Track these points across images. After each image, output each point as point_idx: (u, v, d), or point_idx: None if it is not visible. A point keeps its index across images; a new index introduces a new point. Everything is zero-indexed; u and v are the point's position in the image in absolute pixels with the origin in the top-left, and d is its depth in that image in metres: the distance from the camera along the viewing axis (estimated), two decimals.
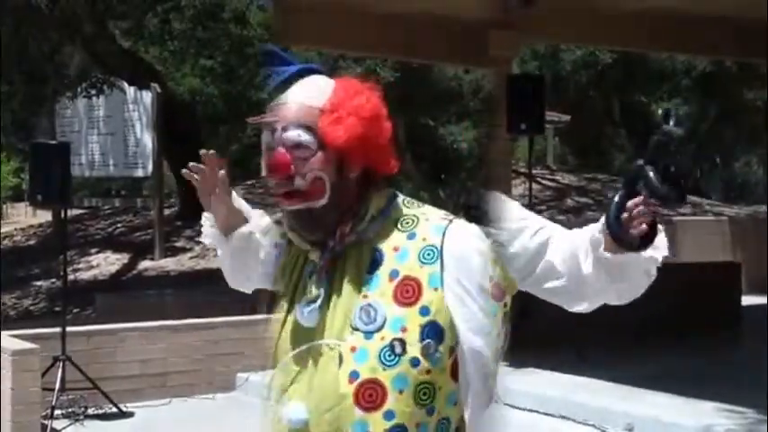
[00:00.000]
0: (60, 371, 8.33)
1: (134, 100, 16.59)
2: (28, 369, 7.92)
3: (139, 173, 16.87)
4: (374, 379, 2.03)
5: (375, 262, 2.10)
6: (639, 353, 9.20)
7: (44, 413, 8.03)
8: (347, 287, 2.10)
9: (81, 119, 17.34)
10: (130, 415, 8.29)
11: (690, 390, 7.74)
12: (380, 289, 2.07)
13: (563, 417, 7.62)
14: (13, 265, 19.15)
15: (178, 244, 17.59)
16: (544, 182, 19.44)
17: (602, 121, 29.21)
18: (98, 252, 18.99)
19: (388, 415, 2.03)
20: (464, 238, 2.08)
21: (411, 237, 2.10)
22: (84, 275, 17.77)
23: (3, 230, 25.00)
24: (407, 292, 2.05)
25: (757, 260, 14.96)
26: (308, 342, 2.12)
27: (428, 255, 2.07)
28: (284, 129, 2.11)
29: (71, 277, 16.13)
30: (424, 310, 2.04)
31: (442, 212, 2.15)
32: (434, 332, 2.04)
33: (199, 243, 17.17)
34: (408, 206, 2.17)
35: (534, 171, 20.86)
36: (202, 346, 9.08)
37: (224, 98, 23.24)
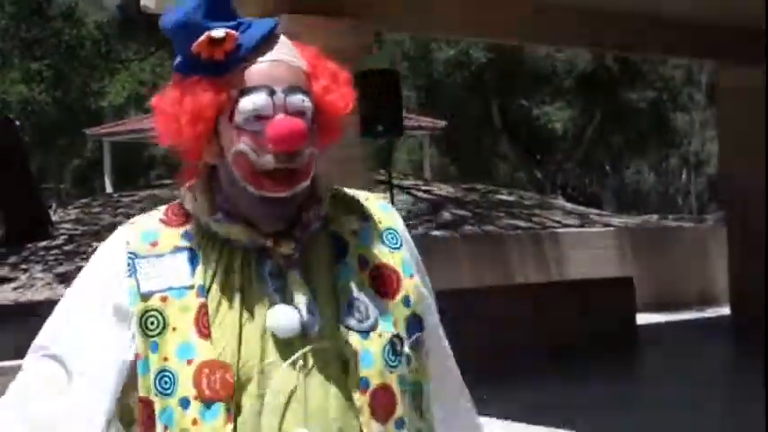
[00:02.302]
0: None
1: None
2: None
3: None
4: (384, 384, 1.90)
5: (339, 249, 1.95)
6: (524, 380, 8.97)
7: None
8: (321, 282, 1.91)
9: None
10: None
11: (570, 422, 7.53)
12: (356, 280, 1.93)
13: None
14: None
15: (0, 273, 16.75)
16: (419, 194, 19.03)
17: (480, 126, 29.06)
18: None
19: (399, 423, 1.91)
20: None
21: (365, 218, 2.00)
22: None
23: None
24: (386, 281, 1.96)
25: (651, 274, 14.95)
26: (290, 352, 1.85)
27: (392, 239, 2.01)
28: (285, 91, 1.85)
29: None
30: (407, 301, 1.97)
31: (365, 192, 2.08)
32: (418, 325, 1.98)
33: (25, 271, 16.40)
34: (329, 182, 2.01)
35: (408, 183, 20.48)
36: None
37: (57, 107, 22.34)
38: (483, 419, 6.64)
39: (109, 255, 1.96)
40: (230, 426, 1.82)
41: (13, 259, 17.12)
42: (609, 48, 14.97)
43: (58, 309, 2.00)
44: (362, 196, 2.06)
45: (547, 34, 11.71)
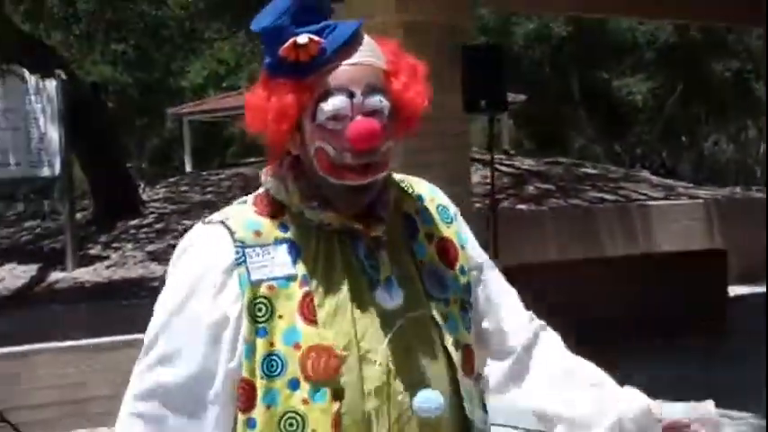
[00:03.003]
0: None
1: (36, 90, 16.09)
2: None
3: (45, 172, 16.36)
4: (468, 344, 2.18)
5: (410, 227, 2.21)
6: (618, 357, 8.99)
7: None
8: (404, 257, 2.17)
9: None
10: None
11: (681, 396, 7.41)
12: (429, 254, 2.19)
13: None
14: None
15: (93, 251, 17.18)
16: (501, 168, 19.24)
17: (559, 100, 29.15)
18: (1, 263, 18.49)
19: (478, 377, 2.21)
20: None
21: (419, 198, 2.26)
22: None
23: None
24: (448, 253, 2.21)
25: (743, 246, 14.91)
26: (394, 324, 2.10)
27: (444, 214, 2.27)
28: (364, 93, 2.05)
29: None
30: (462, 271, 2.23)
31: (405, 175, 2.32)
32: (470, 291, 2.24)
33: (116, 250, 16.87)
34: None
35: (489, 157, 20.64)
36: (127, 367, 8.72)
37: (139, 87, 22.83)
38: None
39: (212, 246, 2.11)
40: (336, 405, 2.02)
41: (104, 238, 17.54)
42: (692, 17, 15.02)
43: (165, 301, 2.16)
44: (412, 180, 2.31)
45: (630, 6, 11.77)
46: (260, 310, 2.06)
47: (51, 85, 15.92)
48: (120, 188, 18.22)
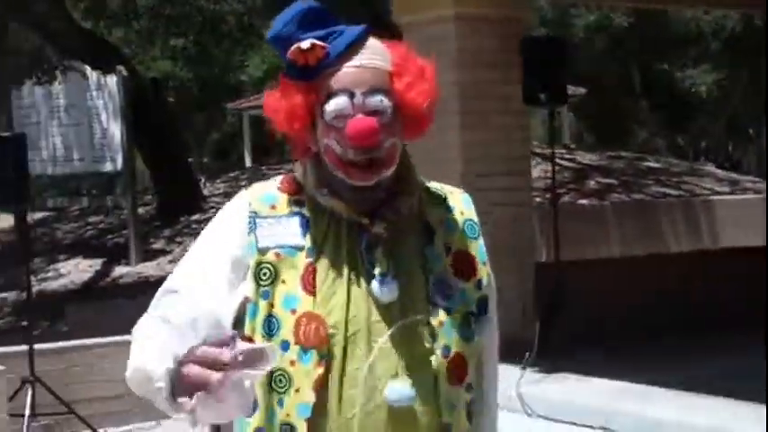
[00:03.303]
0: (29, 394, 8.16)
1: (98, 86, 16.29)
2: None
3: (108, 167, 16.57)
4: (460, 354, 2.29)
5: (428, 235, 2.32)
6: (685, 351, 8.98)
7: None
8: (412, 261, 2.29)
9: (39, 109, 17.04)
10: None
11: (752, 393, 7.32)
12: (441, 262, 2.31)
13: (604, 429, 7.36)
14: None
15: (156, 246, 17.39)
16: (562, 162, 19.18)
17: (620, 92, 29.01)
18: (67, 258, 18.73)
19: (468, 388, 2.32)
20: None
21: (449, 210, 2.37)
22: (53, 285, 17.51)
23: None
24: (465, 266, 2.34)
25: None
26: (385, 318, 2.24)
27: (471, 229, 2.38)
28: (364, 94, 2.21)
29: (38, 287, 15.90)
30: (479, 285, 2.36)
31: (448, 186, 2.45)
32: (485, 306, 2.38)
33: (179, 244, 17.05)
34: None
35: (548, 151, 20.59)
36: None
37: (199, 82, 23.02)
38: (658, 390, 6.90)
39: (233, 213, 2.33)
40: (321, 369, 2.21)
41: (167, 232, 17.73)
42: (759, 6, 14.90)
43: (188, 256, 2.39)
44: (448, 190, 2.44)
45: None
46: (264, 274, 2.26)
47: (112, 81, 16.12)
48: (181, 183, 18.38)
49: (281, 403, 2.24)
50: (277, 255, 2.27)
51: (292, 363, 2.23)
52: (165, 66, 22.52)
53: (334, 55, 2.24)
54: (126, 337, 8.00)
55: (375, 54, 2.28)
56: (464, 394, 2.32)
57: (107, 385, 8.56)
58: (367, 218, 2.27)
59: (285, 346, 2.22)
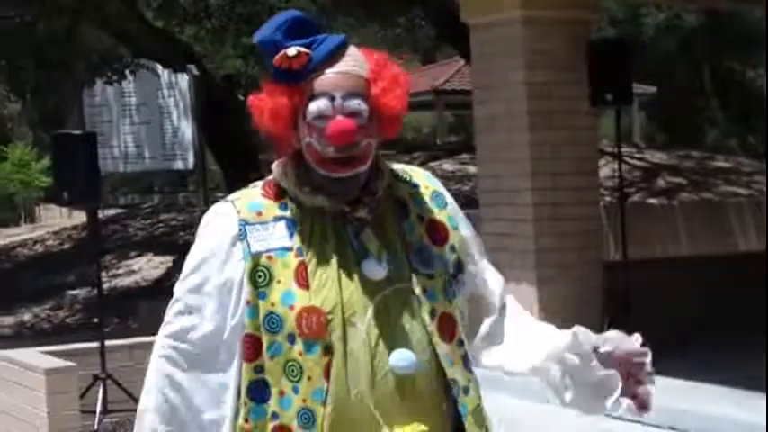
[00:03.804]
0: (101, 391, 8.25)
1: (169, 84, 16.41)
2: (64, 390, 7.82)
3: (179, 165, 16.68)
4: (446, 313, 2.49)
5: (403, 211, 2.53)
6: (754, 351, 8.89)
7: None
8: (394, 237, 2.49)
9: (111, 107, 17.20)
10: None
11: None
12: (418, 233, 2.52)
13: (672, 429, 7.32)
14: (46, 273, 19.17)
15: None
16: (632, 161, 19.09)
17: (690, 91, 28.77)
18: (139, 255, 18.95)
19: (460, 342, 2.51)
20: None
21: (414, 186, 2.57)
22: (125, 281, 17.73)
23: (35, 234, 25.10)
24: (438, 233, 2.54)
25: None
26: (378, 294, 2.44)
27: (438, 199, 2.58)
28: (343, 97, 2.41)
29: (110, 284, 16.12)
30: (452, 249, 2.55)
31: (406, 165, 2.65)
32: (460, 267, 2.56)
33: None
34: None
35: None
36: None
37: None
38: (721, 389, 6.84)
39: (223, 222, 2.50)
40: (326, 358, 2.40)
41: None
42: None
43: (185, 271, 2.55)
44: (409, 169, 2.64)
45: None
46: (260, 276, 2.44)
47: (184, 79, 16.25)
48: (252, 181, 18.42)
49: (296, 390, 2.41)
50: (269, 257, 2.45)
51: (300, 353, 2.41)
52: (237, 64, 22.61)
53: (317, 61, 2.43)
54: None
55: (354, 61, 2.46)
56: (457, 350, 2.49)
57: None
58: (348, 206, 2.46)
59: (291, 339, 2.41)
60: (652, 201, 16.68)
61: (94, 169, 8.45)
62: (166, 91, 16.39)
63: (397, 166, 2.62)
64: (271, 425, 2.44)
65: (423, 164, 19.58)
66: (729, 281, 10.05)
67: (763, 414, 6.97)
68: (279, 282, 2.44)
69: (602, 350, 2.47)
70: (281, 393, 2.43)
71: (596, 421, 7.73)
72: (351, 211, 2.47)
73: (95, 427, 7.98)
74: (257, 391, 2.45)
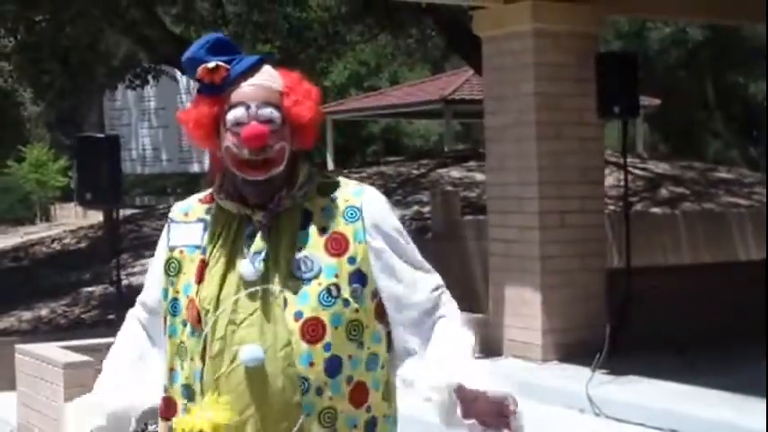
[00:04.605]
0: None
1: (187, 90, 16.52)
2: (82, 384, 7.85)
3: (195, 168, 16.79)
4: (316, 317, 2.64)
5: (306, 221, 2.71)
6: (754, 357, 8.90)
7: None
8: (285, 243, 2.68)
9: (131, 111, 17.29)
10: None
11: None
12: (313, 242, 2.69)
13: (673, 431, 7.36)
14: (62, 270, 19.22)
15: None
16: (635, 171, 19.11)
17: (694, 104, 28.77)
18: (153, 254, 18.99)
19: (327, 347, 2.64)
20: (379, 201, 2.78)
21: (333, 199, 2.73)
22: (139, 280, 17.74)
23: (51, 233, 25.17)
24: (337, 244, 2.69)
25: None
26: (251, 294, 2.66)
27: (351, 214, 2.72)
28: (258, 106, 2.66)
29: (125, 282, 16.11)
30: (351, 260, 2.68)
31: (354, 181, 2.83)
32: (359, 278, 2.68)
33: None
34: (325, 176, 2.83)
35: (623, 160, 20.46)
36: None
37: None
38: (723, 394, 6.80)
39: (167, 220, 2.89)
40: (201, 344, 2.69)
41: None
42: None
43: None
44: (343, 182, 2.81)
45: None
46: (172, 267, 2.80)
47: None
48: None
49: (182, 368, 2.74)
50: (181, 252, 2.80)
51: (188, 337, 2.73)
52: None
53: (235, 75, 2.69)
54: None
55: (269, 76, 2.73)
56: (322, 352, 2.64)
57: None
58: (259, 209, 2.70)
59: (184, 323, 2.74)
60: (655, 210, 16.69)
61: (117, 171, 8.54)
62: (185, 96, 16.49)
63: (335, 181, 2.81)
64: (162, 395, 2.82)
65: (431, 170, 19.63)
66: (729, 288, 10.07)
67: (761, 419, 6.99)
68: (184, 274, 2.77)
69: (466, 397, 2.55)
70: (172, 370, 2.77)
71: (602, 424, 7.80)
72: (251, 215, 2.71)
73: None
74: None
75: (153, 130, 16.90)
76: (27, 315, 16.72)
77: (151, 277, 2.92)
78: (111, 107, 17.51)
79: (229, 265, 2.70)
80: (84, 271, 18.90)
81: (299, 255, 2.67)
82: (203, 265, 2.74)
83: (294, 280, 2.65)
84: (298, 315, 2.64)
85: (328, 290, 2.66)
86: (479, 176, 17.88)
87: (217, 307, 2.68)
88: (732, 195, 18.25)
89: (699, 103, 28.68)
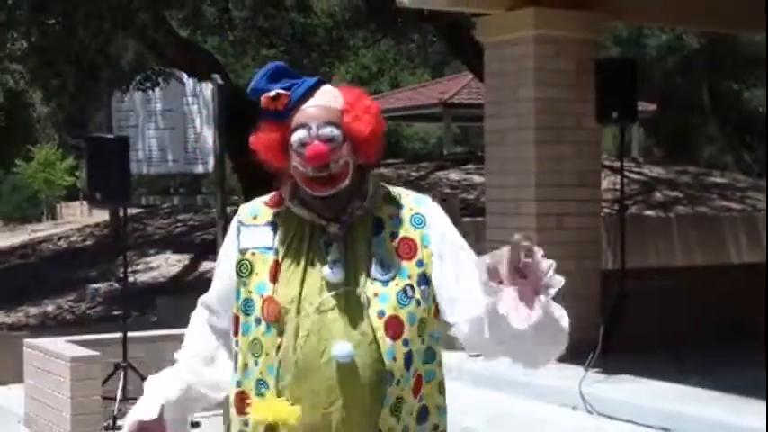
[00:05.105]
0: (122, 378, 8.34)
1: (193, 92, 16.49)
2: (88, 377, 7.92)
3: (200, 169, 16.76)
4: (395, 315, 2.76)
5: (378, 228, 2.84)
6: (744, 357, 8.92)
7: (105, 423, 8.01)
8: (361, 248, 2.81)
9: (138, 113, 17.31)
10: (196, 425, 8.20)
11: None
12: (386, 247, 2.82)
13: (664, 429, 7.39)
14: (68, 267, 19.29)
15: None
16: (630, 175, 19.16)
17: (689, 110, 28.80)
18: (157, 253, 19.05)
19: (405, 342, 2.77)
20: (438, 209, 2.91)
21: (399, 207, 2.87)
22: (144, 277, 17.83)
23: (58, 231, 25.22)
24: (408, 249, 2.82)
25: None
26: (331, 293, 2.77)
27: (418, 221, 2.86)
28: (318, 126, 2.76)
29: (130, 279, 16.17)
30: (420, 263, 2.82)
31: (410, 190, 2.96)
32: (426, 280, 2.82)
33: None
34: (388, 186, 2.92)
35: (618, 164, 20.52)
36: None
37: None
38: (715, 394, 6.81)
39: (233, 222, 2.97)
40: (279, 339, 2.77)
41: None
42: None
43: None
44: (404, 193, 2.94)
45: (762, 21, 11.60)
46: (244, 268, 2.87)
47: (208, 88, 16.34)
48: (267, 186, 18.53)
49: (256, 363, 2.81)
50: (253, 253, 2.86)
51: (263, 334, 2.80)
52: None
53: (295, 99, 2.79)
54: None
55: (329, 96, 2.82)
56: (401, 348, 2.77)
57: None
58: (330, 221, 2.82)
59: (258, 321, 2.81)
60: (649, 213, 16.73)
61: (125, 171, 8.58)
62: (191, 98, 16.48)
63: (395, 190, 2.93)
64: (235, 390, 2.87)
65: (430, 173, 19.67)
66: (721, 290, 10.10)
67: (756, 419, 7.02)
68: (257, 274, 2.84)
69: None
70: (245, 365, 2.83)
71: (594, 421, 7.84)
72: (326, 226, 2.82)
73: (115, 412, 8.06)
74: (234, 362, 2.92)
75: (159, 132, 16.89)
76: (34, 310, 16.78)
77: (217, 280, 3.01)
78: (118, 108, 17.51)
79: (307, 267, 2.81)
80: (89, 268, 18.95)
81: (376, 259, 2.80)
82: (276, 266, 2.83)
83: (374, 282, 2.78)
84: (380, 313, 2.77)
85: (404, 290, 2.79)
86: (478, 179, 17.94)
87: (299, 306, 2.78)
88: (725, 199, 18.29)
89: (694, 108, 28.70)
